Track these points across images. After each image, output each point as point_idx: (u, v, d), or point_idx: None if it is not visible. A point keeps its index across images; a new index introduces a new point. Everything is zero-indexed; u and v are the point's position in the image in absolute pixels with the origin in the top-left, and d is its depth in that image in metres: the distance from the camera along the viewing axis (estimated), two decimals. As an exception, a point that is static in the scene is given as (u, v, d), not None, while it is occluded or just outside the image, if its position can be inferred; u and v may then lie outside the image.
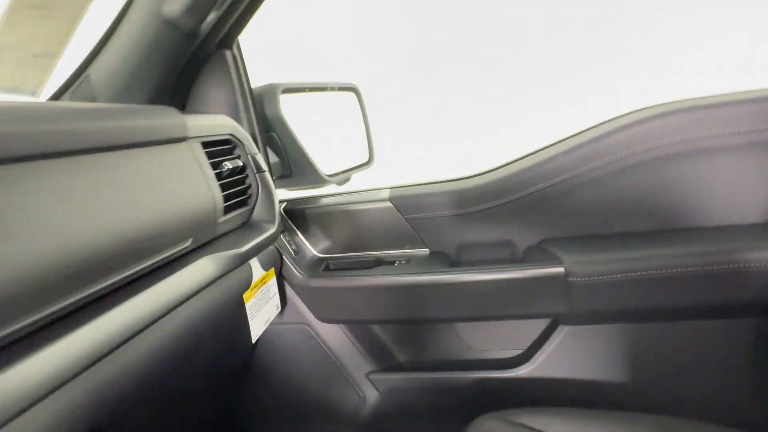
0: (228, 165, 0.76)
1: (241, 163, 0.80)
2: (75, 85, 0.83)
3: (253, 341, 0.77)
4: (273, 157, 1.11)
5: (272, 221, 0.83)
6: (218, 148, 0.76)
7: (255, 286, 0.79)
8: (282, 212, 0.99)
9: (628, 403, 0.85)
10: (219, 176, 0.74)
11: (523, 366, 0.90)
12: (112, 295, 0.52)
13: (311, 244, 1.01)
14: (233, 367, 0.92)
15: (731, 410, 0.83)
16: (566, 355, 0.87)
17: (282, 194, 1.11)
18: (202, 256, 0.65)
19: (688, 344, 0.82)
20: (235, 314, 0.76)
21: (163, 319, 0.58)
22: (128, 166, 0.56)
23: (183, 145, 0.67)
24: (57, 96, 0.86)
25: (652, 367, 0.84)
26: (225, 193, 0.74)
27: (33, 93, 0.81)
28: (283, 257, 0.93)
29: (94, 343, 0.46)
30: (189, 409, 0.84)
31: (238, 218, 0.79)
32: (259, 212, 0.84)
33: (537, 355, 0.89)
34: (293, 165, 1.14)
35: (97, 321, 0.47)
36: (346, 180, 1.30)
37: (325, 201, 1.01)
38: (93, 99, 0.83)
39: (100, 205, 0.50)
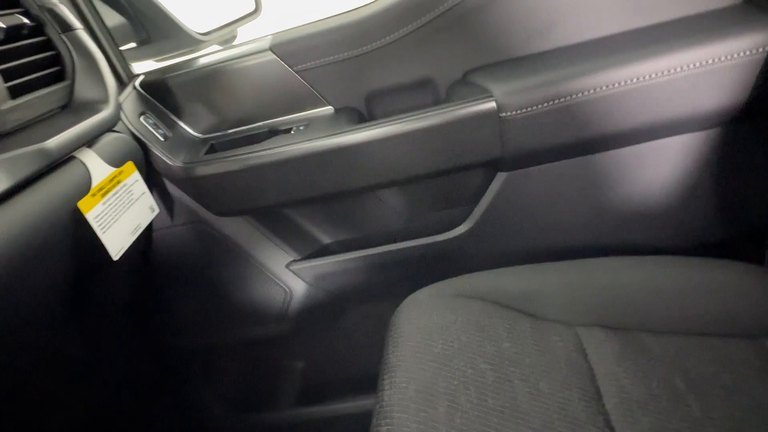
0: None
1: (24, 20, 0.55)
2: None
3: (115, 258, 0.60)
4: (118, 18, 0.85)
5: (104, 100, 0.61)
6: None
7: (99, 190, 0.59)
8: (137, 87, 0.76)
9: (585, 249, 0.75)
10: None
11: (462, 225, 0.77)
12: None
13: (187, 124, 0.80)
14: (112, 286, 0.76)
15: (689, 234, 0.73)
16: (508, 205, 0.74)
17: (148, 66, 0.87)
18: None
19: (644, 169, 0.70)
20: (83, 229, 0.57)
21: None
22: None
23: None
24: None
25: (608, 205, 0.72)
26: (4, 66, 0.51)
27: None
28: (148, 146, 0.72)
29: None
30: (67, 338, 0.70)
31: (44, 102, 0.57)
32: (84, 90, 0.62)
33: (476, 210, 0.76)
34: (149, 25, 0.88)
35: None
36: (231, 38, 1.05)
37: (193, 65, 0.78)
38: None
39: None
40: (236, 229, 0.81)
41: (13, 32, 0.53)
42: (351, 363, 0.93)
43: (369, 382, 0.72)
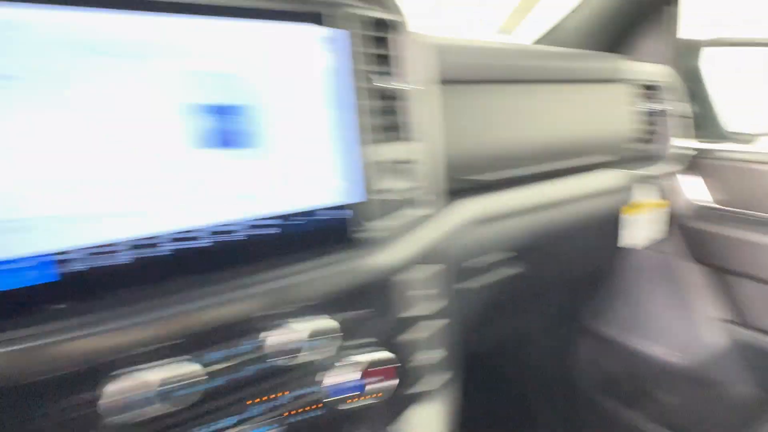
0: (651, 106, 0.94)
1: (662, 107, 0.96)
2: (548, 29, 1.14)
3: (618, 245, 0.97)
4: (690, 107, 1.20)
5: (666, 160, 0.98)
6: (646, 91, 0.95)
7: (638, 207, 0.97)
8: (684, 157, 1.10)
9: None
10: (639, 113, 0.93)
11: None
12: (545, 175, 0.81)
13: (707, 191, 1.09)
14: (601, 259, 1.14)
15: None
16: None
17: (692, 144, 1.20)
18: (607, 169, 0.88)
19: None
20: (609, 222, 0.97)
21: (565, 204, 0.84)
22: (571, 94, 0.82)
23: (619, 85, 0.89)
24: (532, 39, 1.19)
25: None
26: (640, 127, 0.93)
27: (509, 33, 1.18)
28: (676, 195, 1.06)
29: (532, 195, 0.77)
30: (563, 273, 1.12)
31: (646, 150, 0.97)
32: (661, 149, 1.00)
33: None
34: (704, 118, 1.20)
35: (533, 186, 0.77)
36: (750, 141, 1.27)
37: (734, 155, 1.06)
38: (561, 40, 1.11)
39: (548, 117, 0.78)
40: (693, 274, 1.08)
41: (653, 111, 0.94)
42: None
43: None
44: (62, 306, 0.36)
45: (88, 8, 0.36)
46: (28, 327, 0.34)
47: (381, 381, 0.51)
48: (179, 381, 0.38)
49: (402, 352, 0.55)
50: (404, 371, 0.54)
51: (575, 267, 1.10)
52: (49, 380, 0.35)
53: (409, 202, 0.56)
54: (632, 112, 0.90)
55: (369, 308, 0.53)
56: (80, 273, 0.37)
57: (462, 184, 0.68)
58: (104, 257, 0.37)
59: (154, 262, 0.40)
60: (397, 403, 0.56)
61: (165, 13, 0.39)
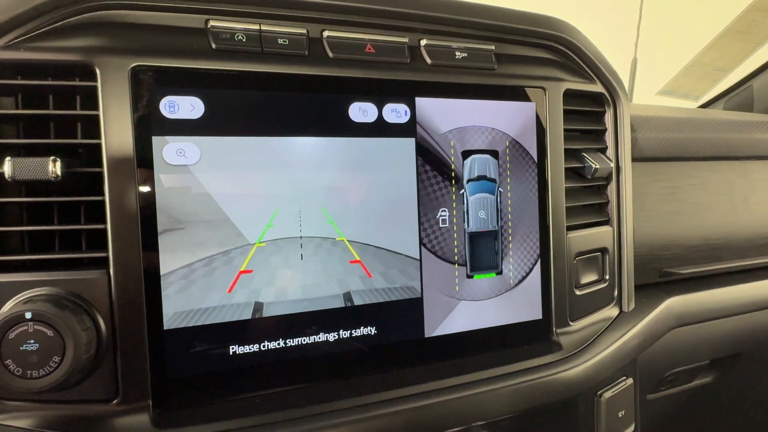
0: None
1: None
2: (735, 93, 0.99)
3: None
4: None
5: None
6: None
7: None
8: None
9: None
10: None
11: None
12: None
13: None
14: None
15: None
16: None
17: None
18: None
19: None
20: None
21: None
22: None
23: None
24: (712, 101, 1.05)
25: None
26: None
27: (695, 98, 1.03)
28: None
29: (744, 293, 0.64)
30: None
31: None
32: None
33: None
34: None
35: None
36: None
37: None
38: (749, 105, 0.97)
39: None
40: None
41: None
42: None
43: None
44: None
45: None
46: None
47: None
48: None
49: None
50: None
51: None
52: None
53: (604, 298, 0.49)
54: None
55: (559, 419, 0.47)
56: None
57: (658, 277, 0.58)
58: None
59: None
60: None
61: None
